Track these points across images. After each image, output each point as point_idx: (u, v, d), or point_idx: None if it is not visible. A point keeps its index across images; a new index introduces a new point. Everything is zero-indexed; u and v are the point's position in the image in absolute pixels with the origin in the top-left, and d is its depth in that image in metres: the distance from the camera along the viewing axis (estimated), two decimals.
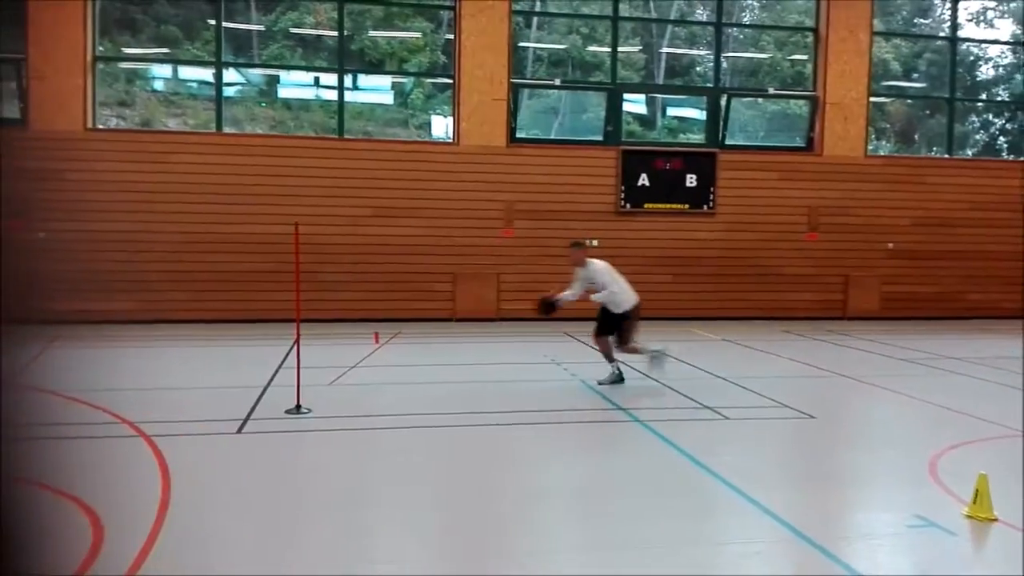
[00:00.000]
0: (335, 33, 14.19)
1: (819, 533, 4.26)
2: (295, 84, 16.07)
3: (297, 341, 7.32)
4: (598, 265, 8.34)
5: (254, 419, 6.51)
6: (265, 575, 3.75)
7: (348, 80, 14.33)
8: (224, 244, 12.72)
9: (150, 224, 12.54)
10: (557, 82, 15.94)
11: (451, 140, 13.79)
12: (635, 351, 8.31)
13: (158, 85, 15.83)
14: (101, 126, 12.90)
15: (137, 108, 15.27)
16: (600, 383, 8.10)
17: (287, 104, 16.14)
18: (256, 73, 15.67)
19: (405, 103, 16.71)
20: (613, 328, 8.24)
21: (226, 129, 13.43)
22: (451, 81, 13.87)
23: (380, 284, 13.17)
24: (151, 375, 8.49)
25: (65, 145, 12.31)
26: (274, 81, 16.04)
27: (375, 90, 16.19)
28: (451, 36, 14.28)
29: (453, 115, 13.75)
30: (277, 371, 8.49)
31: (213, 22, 13.74)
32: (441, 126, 15.48)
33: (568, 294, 8.43)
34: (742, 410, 7.13)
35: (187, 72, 15.70)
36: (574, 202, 13.69)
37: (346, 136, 13.67)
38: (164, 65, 15.74)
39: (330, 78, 14.43)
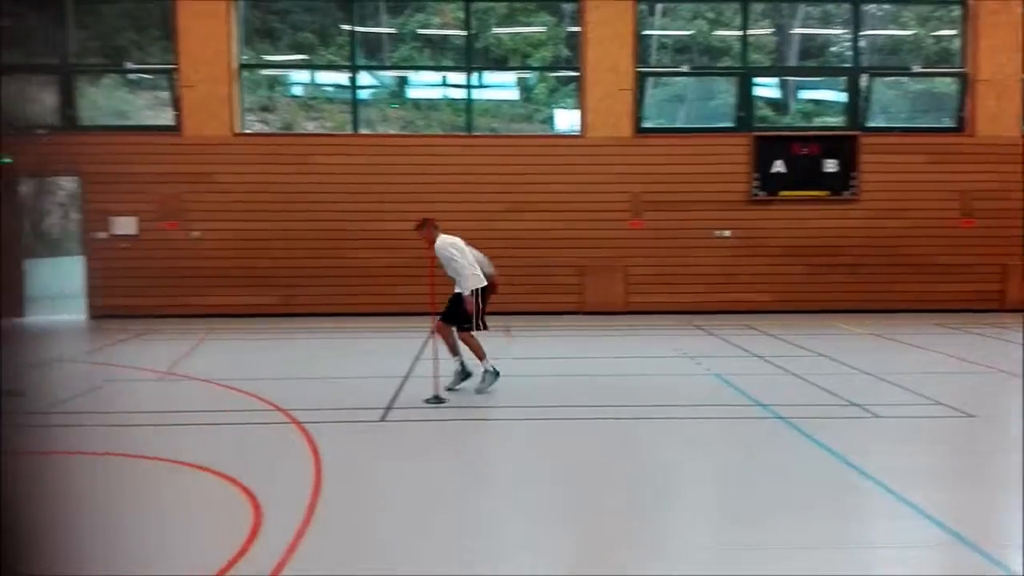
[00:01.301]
0: (461, 32, 14.46)
1: (981, 537, 3.97)
2: (423, 84, 16.46)
3: (433, 334, 7.51)
4: (442, 241, 7.37)
5: (395, 408, 6.72)
6: (409, 556, 3.86)
7: (475, 78, 14.54)
8: (361, 240, 13.21)
9: (292, 222, 13.19)
10: (686, 69, 15.57)
11: (577, 132, 13.75)
12: (472, 346, 7.31)
13: (297, 90, 16.61)
14: (247, 131, 13.65)
15: (279, 112, 16.08)
16: (448, 388, 7.10)
17: (416, 104, 16.57)
18: (387, 75, 16.15)
19: (529, 98, 16.79)
20: (456, 313, 7.23)
21: (361, 130, 13.92)
22: (576, 74, 13.82)
23: (509, 278, 13.28)
24: (298, 365, 8.93)
25: (215, 150, 13.15)
26: (404, 82, 16.50)
27: (500, 87, 16.35)
28: (575, 29, 14.23)
29: (579, 107, 13.70)
30: (414, 363, 8.75)
31: (347, 27, 14.27)
32: (565, 119, 15.45)
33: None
34: (893, 408, 6.74)
35: (323, 76, 16.39)
36: (704, 191, 13.35)
37: (474, 133, 13.89)
38: (302, 71, 16.49)
39: (457, 76, 14.70)
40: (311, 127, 15.95)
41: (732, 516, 4.46)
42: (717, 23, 17.38)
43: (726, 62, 16.03)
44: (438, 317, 7.44)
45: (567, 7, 15.49)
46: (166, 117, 13.72)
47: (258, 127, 14.34)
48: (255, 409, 6.75)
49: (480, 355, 7.30)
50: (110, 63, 14.53)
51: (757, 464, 5.39)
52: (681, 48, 17.82)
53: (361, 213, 13.25)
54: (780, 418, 6.38)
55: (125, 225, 13.06)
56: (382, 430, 6.18)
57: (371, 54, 16.57)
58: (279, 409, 6.68)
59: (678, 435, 6.13)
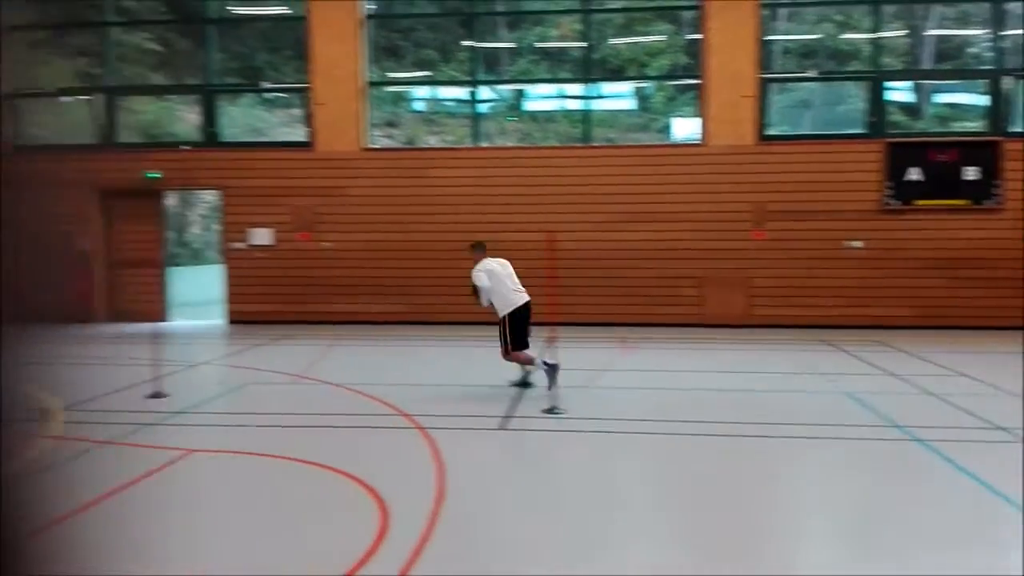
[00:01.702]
0: (579, 44, 14.53)
1: None
2: (540, 96, 16.61)
3: (552, 343, 7.56)
4: (482, 265, 8.05)
5: (514, 417, 6.80)
6: (533, 564, 3.90)
7: (592, 88, 14.57)
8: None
9: (415, 233, 13.61)
10: (812, 74, 15.04)
11: (697, 141, 13.52)
12: (518, 360, 7.82)
13: (419, 105, 17.13)
14: (373, 146, 14.19)
15: (402, 127, 16.63)
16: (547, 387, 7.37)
17: (533, 116, 16.75)
18: (505, 88, 16.40)
19: (647, 107, 16.65)
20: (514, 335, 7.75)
21: (480, 143, 14.21)
22: (696, 81, 13.61)
23: (627, 288, 13.23)
24: (420, 372, 9.18)
25: (344, 164, 13.75)
26: (521, 95, 16.72)
27: (617, 97, 16.29)
28: (695, 36, 14.03)
29: (700, 115, 13.48)
30: (531, 372, 8.81)
31: (467, 44, 14.61)
32: (683, 128, 15.22)
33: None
34: None
35: (444, 92, 16.83)
36: (832, 200, 12.84)
37: (591, 144, 13.91)
38: (424, 87, 16.98)
39: (574, 88, 14.77)
40: (432, 141, 16.39)
41: (869, 548, 4.22)
42: (845, 26, 16.69)
43: (855, 66, 15.37)
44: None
45: (686, 15, 15.30)
46: (299, 134, 14.46)
47: (383, 142, 14.86)
48: (381, 413, 7.00)
49: (529, 362, 7.79)
50: (248, 83, 15.44)
51: (893, 490, 5.12)
52: (807, 52, 17.22)
53: (481, 224, 13.49)
54: (917, 440, 6.04)
55: (262, 236, 13.84)
56: (502, 437, 6.27)
57: (490, 68, 16.89)
58: (403, 414, 6.89)
59: (805, 456, 5.90)
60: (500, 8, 15.54)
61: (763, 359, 10.19)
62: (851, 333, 11.95)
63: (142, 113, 15.99)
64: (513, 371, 8.23)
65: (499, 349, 7.96)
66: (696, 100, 13.86)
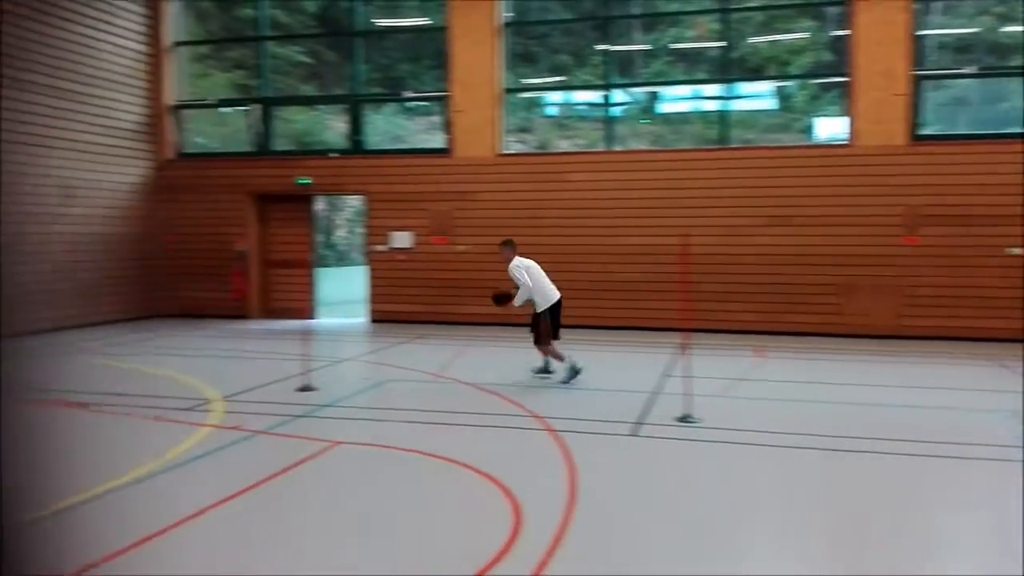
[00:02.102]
0: (716, 44, 14.23)
1: None
2: (674, 98, 16.37)
3: (685, 350, 7.48)
4: (519, 263, 8.77)
5: (646, 423, 6.78)
6: (657, 568, 3.90)
7: (729, 89, 14.25)
8: (612, 255, 13.46)
9: (547, 237, 13.75)
10: (971, 70, 14.05)
11: (844, 142, 12.95)
12: (551, 353, 8.64)
13: (552, 110, 17.28)
14: (508, 151, 14.46)
15: (535, 132, 16.83)
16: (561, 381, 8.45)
17: (667, 118, 16.52)
18: (639, 91, 16.28)
19: (788, 107, 16.06)
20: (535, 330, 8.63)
21: (613, 147, 14.19)
22: (843, 79, 13.03)
23: (764, 295, 12.84)
24: (551, 374, 9.26)
25: (479, 170, 14.11)
26: (655, 97, 16.53)
27: (755, 96, 15.82)
28: (841, 32, 13.43)
29: (846, 115, 12.91)
30: (663, 379, 8.76)
31: (601, 47, 14.63)
32: (827, 128, 14.59)
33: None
34: None
35: (577, 96, 16.90)
36: (991, 204, 11.95)
37: (729, 146, 13.61)
38: (558, 91, 17.11)
39: (710, 88, 14.49)
40: (565, 145, 16.50)
41: None
42: (1006, 19, 15.48)
43: (1016, 61, 14.23)
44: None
45: (831, 10, 14.66)
46: (438, 140, 14.94)
47: (517, 147, 15.11)
48: (513, 414, 7.15)
49: (559, 358, 8.62)
50: (391, 92, 16.10)
51: None
52: (963, 47, 16.09)
53: (614, 228, 13.50)
54: None
55: (402, 239, 14.41)
56: (634, 444, 6.27)
57: (624, 71, 16.82)
58: (535, 415, 7.01)
59: (961, 479, 5.54)
60: (635, 11, 15.44)
61: (911, 372, 9.64)
62: (1013, 347, 11.09)
63: (294, 122, 16.98)
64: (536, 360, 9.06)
65: (532, 338, 8.80)
66: (842, 99, 13.28)
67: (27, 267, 12.47)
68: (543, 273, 8.93)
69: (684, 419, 6.78)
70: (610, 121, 14.44)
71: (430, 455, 5.80)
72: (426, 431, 6.62)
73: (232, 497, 4.88)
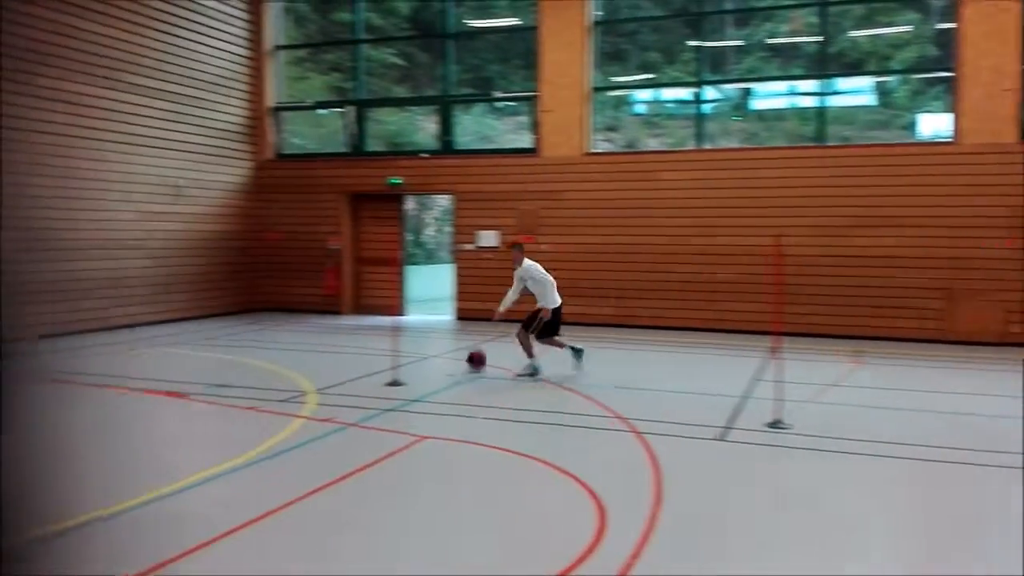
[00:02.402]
0: (813, 38, 13.81)
1: None
2: (768, 94, 15.96)
3: (776, 354, 7.30)
4: (530, 265, 9.13)
5: (734, 428, 6.66)
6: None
7: (826, 84, 13.80)
8: (701, 255, 13.25)
9: (634, 236, 13.66)
10: None
11: (948, 139, 12.36)
12: (526, 345, 9.05)
13: (640, 108, 17.10)
14: (596, 150, 14.41)
15: (623, 131, 16.71)
16: (518, 375, 8.89)
17: (760, 115, 16.11)
18: (731, 88, 15.95)
19: (888, 103, 15.42)
20: (529, 320, 9.05)
21: (703, 145, 13.95)
22: (948, 75, 12.44)
23: (860, 298, 12.39)
24: (635, 376, 9.22)
25: (566, 169, 14.11)
26: (748, 94, 16.15)
27: (854, 92, 15.25)
28: (946, 26, 12.82)
29: (952, 111, 12.32)
30: (752, 383, 8.57)
31: (692, 43, 14.40)
32: (929, 125, 13.94)
33: (509, 295, 9.14)
34: None
35: (666, 93, 16.68)
36: None
37: (827, 143, 13.18)
38: (646, 89, 16.94)
39: (806, 84, 14.07)
40: (653, 144, 16.31)
41: None
42: None
43: None
44: (521, 327, 9.17)
45: (935, 3, 14.01)
46: (526, 140, 15.02)
47: (604, 146, 15.04)
48: (597, 415, 7.14)
49: (529, 354, 9.00)
50: (480, 93, 16.27)
51: None
52: None
53: (701, 227, 13.28)
54: None
55: (488, 238, 14.56)
56: (721, 449, 6.16)
57: (716, 68, 16.50)
58: (619, 417, 6.98)
59: None
60: (729, 6, 15.12)
61: (1015, 383, 9.11)
62: None
63: (387, 123, 17.37)
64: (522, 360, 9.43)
65: (519, 332, 9.17)
66: (946, 95, 12.68)
67: (136, 262, 13.20)
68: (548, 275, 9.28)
69: (774, 425, 6.63)
70: (700, 119, 14.21)
71: (514, 453, 5.86)
72: (510, 429, 6.68)
73: (323, 487, 5.05)
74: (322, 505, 4.79)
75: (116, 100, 12.85)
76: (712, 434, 6.48)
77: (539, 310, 9.08)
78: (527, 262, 9.25)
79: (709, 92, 14.75)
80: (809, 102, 13.95)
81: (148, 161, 13.42)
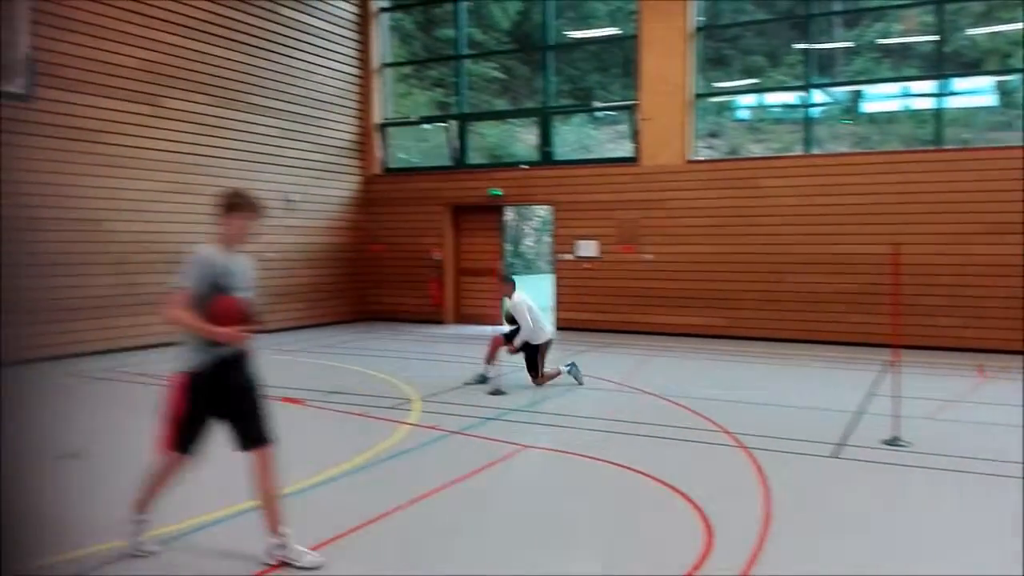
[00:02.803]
0: (927, 37, 13.17)
1: None
2: (880, 97, 15.32)
3: (895, 367, 6.98)
4: (520, 300, 8.84)
5: (849, 445, 6.40)
6: None
7: (943, 85, 13.13)
8: (811, 264, 12.83)
9: (738, 245, 13.35)
10: None
11: None
12: (549, 376, 8.96)
13: (743, 114, 16.72)
14: (697, 158, 14.19)
15: (725, 137, 16.37)
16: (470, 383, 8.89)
17: (871, 118, 15.48)
18: (839, 91, 15.40)
19: (1011, 103, 14.52)
20: (529, 358, 8.88)
21: (811, 150, 13.51)
22: None
23: (983, 309, 11.70)
24: (742, 389, 8.99)
25: (668, 177, 13.94)
26: (858, 96, 15.55)
27: (974, 92, 14.44)
28: None
29: None
30: (867, 398, 8.23)
31: (799, 46, 13.99)
32: None
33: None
34: None
35: (770, 98, 16.25)
36: None
37: (944, 147, 12.54)
38: (749, 95, 16.55)
39: (920, 85, 13.43)
40: (757, 150, 15.91)
41: None
42: None
43: None
44: (502, 335, 9.06)
45: None
46: (626, 149, 14.93)
47: (705, 153, 14.78)
48: (701, 428, 7.00)
49: (488, 361, 8.94)
50: (580, 103, 16.30)
51: None
52: None
53: (810, 236, 12.86)
54: None
55: (587, 248, 14.54)
56: (835, 466, 5.93)
57: (823, 70, 15.97)
58: (724, 431, 6.83)
59: None
60: (838, 7, 14.61)
61: None
62: None
63: (487, 136, 17.64)
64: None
65: (497, 338, 9.05)
66: None
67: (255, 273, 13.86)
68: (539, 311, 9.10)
69: (892, 442, 6.34)
70: (808, 123, 13.77)
71: (617, 464, 5.82)
72: (611, 440, 6.64)
73: (430, 494, 5.16)
74: (429, 511, 4.89)
75: (235, 119, 13.56)
76: (825, 451, 6.25)
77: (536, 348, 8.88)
78: (517, 297, 8.99)
79: (817, 95, 14.28)
80: (924, 104, 13.31)
81: (265, 177, 14.08)
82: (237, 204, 4.02)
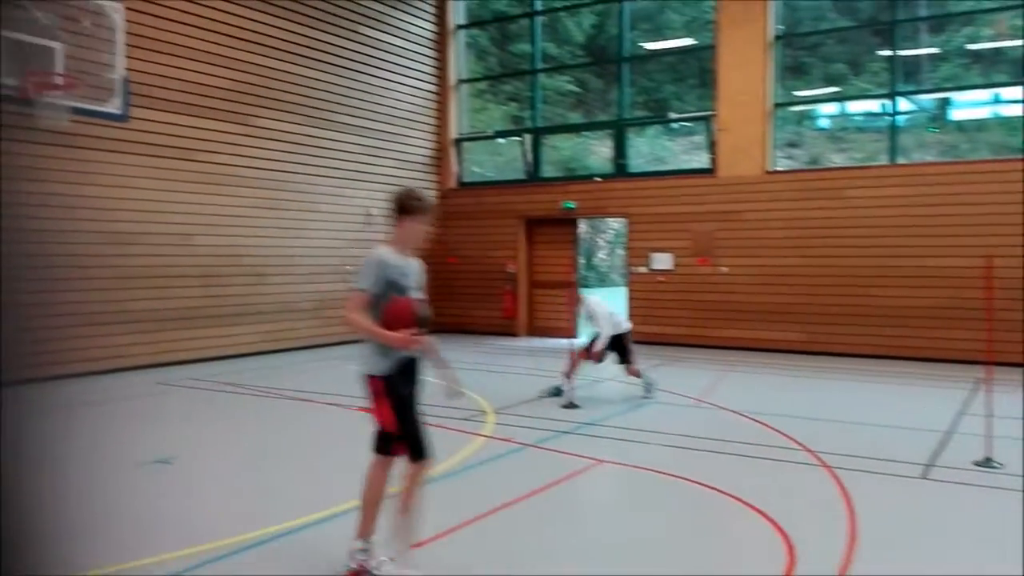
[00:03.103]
0: (1018, 42, 12.62)
1: None
2: (969, 104, 14.73)
3: (988, 386, 6.69)
4: (590, 299, 9.17)
5: (938, 466, 6.15)
6: None
7: None
8: (896, 278, 12.41)
9: (819, 258, 13.02)
10: None
11: None
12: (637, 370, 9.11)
13: (824, 123, 16.32)
14: (777, 168, 13.91)
15: (805, 147, 16.01)
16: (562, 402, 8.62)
17: (959, 126, 14.89)
18: (926, 98, 14.88)
19: None
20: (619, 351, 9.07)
21: (897, 160, 13.08)
22: None
23: None
24: (824, 406, 8.75)
25: (745, 188, 13.71)
26: (945, 103, 14.99)
27: None
28: None
29: None
30: (957, 416, 7.89)
31: (882, 53, 13.58)
32: None
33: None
34: None
35: (853, 106, 15.81)
36: None
37: None
38: (831, 103, 16.14)
39: (1012, 92, 12.86)
40: (838, 159, 15.50)
41: None
42: None
43: None
44: (581, 347, 9.18)
45: None
46: (702, 160, 14.75)
47: (784, 163, 14.48)
48: (781, 446, 6.84)
49: (568, 375, 8.86)
50: (654, 115, 16.20)
51: None
52: None
53: (895, 248, 12.44)
54: None
55: (662, 260, 14.40)
56: (924, 488, 5.71)
57: (908, 77, 15.47)
58: (806, 449, 6.65)
59: None
60: (923, 12, 14.13)
61: None
62: None
63: (561, 149, 17.70)
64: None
65: (625, 368, 9.25)
66: None
67: (337, 285, 14.22)
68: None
69: (984, 463, 6.06)
70: (893, 131, 13.33)
71: (694, 482, 5.74)
72: (689, 456, 6.55)
73: (506, 506, 5.19)
74: (505, 524, 4.92)
75: (319, 137, 13.98)
76: (913, 471, 6.02)
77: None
78: (588, 297, 9.39)
79: (902, 103, 13.83)
80: (1016, 111, 12.74)
81: (347, 192, 14.47)
82: (411, 206, 3.97)
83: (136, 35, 10.75)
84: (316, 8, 13.86)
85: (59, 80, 9.39)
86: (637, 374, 9.16)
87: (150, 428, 7.83)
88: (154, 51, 11.22)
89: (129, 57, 10.54)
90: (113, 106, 10.34)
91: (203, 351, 11.94)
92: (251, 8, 12.69)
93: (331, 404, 8.73)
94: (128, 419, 8.33)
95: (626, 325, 9.21)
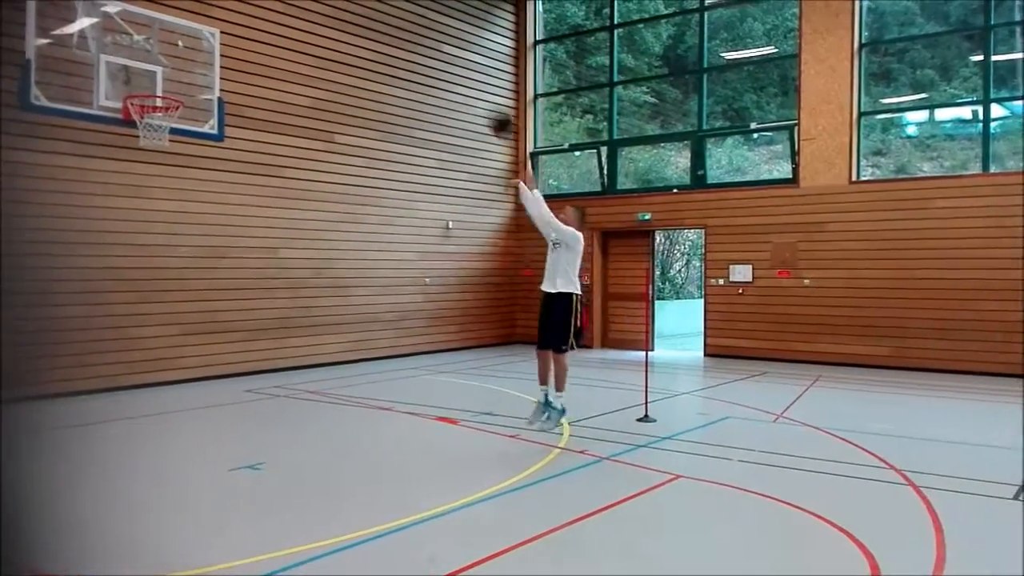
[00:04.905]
0: None
1: None
2: None
3: None
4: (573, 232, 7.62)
5: None
6: None
7: None
8: (988, 291, 11.93)
9: (906, 270, 12.61)
10: None
11: None
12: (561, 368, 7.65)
13: (911, 131, 15.82)
14: (863, 178, 13.55)
15: (890, 156, 15.54)
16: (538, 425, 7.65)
17: None
18: (1021, 104, 14.26)
19: None
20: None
21: (991, 169, 12.57)
22: None
23: None
24: (910, 423, 8.48)
25: (829, 199, 13.40)
26: None
27: None
28: None
29: None
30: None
31: (974, 58, 13.09)
32: None
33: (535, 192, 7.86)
34: None
35: (942, 114, 15.28)
36: None
37: None
38: (917, 111, 15.63)
39: None
40: (927, 168, 15.00)
41: None
42: None
43: None
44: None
45: None
46: (783, 170, 14.49)
47: (869, 172, 14.09)
48: (865, 463, 6.67)
49: (543, 380, 7.84)
50: (733, 124, 16.00)
51: None
52: None
53: (988, 260, 11.96)
54: None
55: (741, 272, 14.19)
56: (1017, 511, 5.49)
57: (1002, 83, 14.84)
58: (892, 467, 6.47)
59: None
60: (1018, 16, 13.56)
61: None
62: None
63: (637, 160, 17.65)
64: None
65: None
66: None
67: (415, 297, 14.53)
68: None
69: None
70: (985, 139, 12.82)
71: (774, 499, 5.66)
72: (769, 473, 6.45)
73: (582, 518, 5.23)
74: (582, 536, 4.96)
75: (400, 152, 14.35)
76: (1008, 493, 5.79)
77: (567, 300, 7.52)
78: (570, 230, 7.68)
79: (995, 110, 13.29)
80: None
81: (426, 206, 14.79)
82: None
83: (228, 56, 11.28)
84: (397, 28, 14.25)
85: (159, 102, 9.94)
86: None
87: (239, 434, 8.17)
88: (244, 72, 11.74)
89: (222, 79, 11.08)
90: (210, 127, 10.88)
91: (289, 360, 12.38)
92: (335, 28, 13.15)
93: (410, 413, 8.94)
94: (219, 425, 8.72)
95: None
